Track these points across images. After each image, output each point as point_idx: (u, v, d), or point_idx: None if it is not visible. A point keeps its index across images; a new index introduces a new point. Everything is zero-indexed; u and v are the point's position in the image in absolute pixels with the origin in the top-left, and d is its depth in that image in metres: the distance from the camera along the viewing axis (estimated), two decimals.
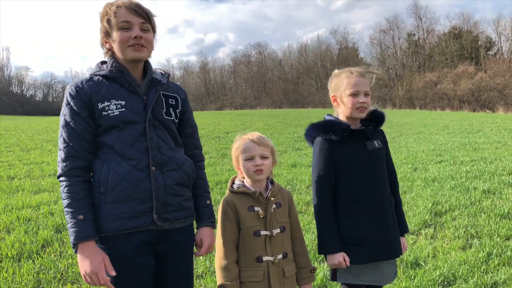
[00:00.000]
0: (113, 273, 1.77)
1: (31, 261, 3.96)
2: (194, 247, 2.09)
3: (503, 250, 3.99)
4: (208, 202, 2.12)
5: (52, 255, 4.11)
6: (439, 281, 3.42)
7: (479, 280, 3.40)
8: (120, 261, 1.82)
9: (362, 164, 2.20)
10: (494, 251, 3.93)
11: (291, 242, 2.12)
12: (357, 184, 2.20)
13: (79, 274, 3.58)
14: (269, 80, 62.25)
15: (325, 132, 2.20)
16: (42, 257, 4.02)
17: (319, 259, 3.88)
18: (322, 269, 3.63)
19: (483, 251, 3.92)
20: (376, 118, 2.31)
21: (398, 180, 7.57)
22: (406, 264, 3.75)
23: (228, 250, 1.99)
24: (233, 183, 2.14)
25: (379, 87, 44.94)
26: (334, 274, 2.23)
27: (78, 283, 3.56)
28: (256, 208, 2.02)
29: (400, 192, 6.29)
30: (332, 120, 2.27)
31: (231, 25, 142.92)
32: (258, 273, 1.97)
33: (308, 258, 2.16)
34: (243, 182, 2.10)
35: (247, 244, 2.00)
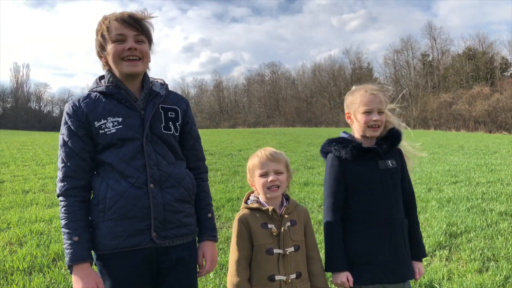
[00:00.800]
0: None
1: (42, 274, 3.97)
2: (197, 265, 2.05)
3: None
4: (209, 215, 2.07)
5: (63, 269, 4.11)
6: None
7: None
8: (117, 280, 1.80)
9: (373, 183, 2.16)
10: None
11: (307, 262, 2.06)
12: (367, 203, 2.15)
13: None
14: (282, 98, 62.51)
15: (336, 149, 2.19)
16: (52, 271, 4.02)
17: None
18: None
19: (500, 275, 3.80)
20: (392, 137, 2.26)
21: None
22: (420, 286, 3.66)
23: (240, 267, 1.95)
24: (247, 198, 2.11)
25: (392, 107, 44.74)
26: None
27: None
28: (269, 226, 1.98)
29: None
30: (344, 138, 2.25)
31: (246, 44, 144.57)
32: None
33: (324, 279, 2.10)
34: (257, 198, 2.07)
35: (259, 262, 1.96)
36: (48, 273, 3.98)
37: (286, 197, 2.11)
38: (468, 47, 46.74)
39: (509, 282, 3.69)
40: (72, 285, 3.65)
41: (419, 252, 2.25)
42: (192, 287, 2.00)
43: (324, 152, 2.29)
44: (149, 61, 1.95)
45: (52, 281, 3.82)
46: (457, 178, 9.43)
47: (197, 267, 2.04)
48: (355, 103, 2.23)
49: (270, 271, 1.94)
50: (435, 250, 4.60)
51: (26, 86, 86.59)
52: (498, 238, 4.94)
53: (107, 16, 1.87)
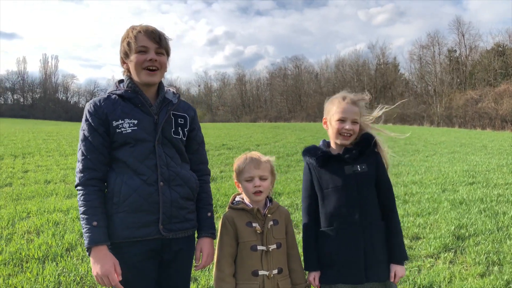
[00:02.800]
0: (119, 278, 1.92)
1: (55, 263, 4.17)
2: (194, 259, 2.22)
3: None
4: (209, 214, 2.24)
5: (75, 258, 4.31)
6: None
7: None
8: (127, 265, 1.98)
9: (338, 188, 2.25)
10: None
11: (287, 259, 2.20)
12: (332, 207, 2.26)
13: None
14: (304, 93, 62.22)
15: (307, 157, 2.35)
16: (65, 260, 4.23)
17: None
18: None
19: (501, 279, 3.80)
20: (363, 142, 2.32)
21: (424, 200, 7.27)
22: (418, 287, 3.69)
23: (225, 263, 2.09)
24: (234, 199, 2.24)
25: (416, 104, 43.98)
26: None
27: None
28: (254, 224, 2.12)
29: (425, 214, 6.17)
30: (314, 146, 2.39)
31: (271, 38, 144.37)
32: (253, 287, 2.06)
33: (303, 275, 2.24)
34: (242, 199, 2.21)
35: (244, 258, 2.10)
36: (61, 262, 4.18)
37: (270, 199, 2.24)
38: (497, 43, 45.45)
39: (510, 287, 3.69)
40: (81, 274, 3.85)
41: (394, 256, 2.26)
42: (188, 276, 2.23)
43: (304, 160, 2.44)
44: (166, 71, 2.16)
45: (64, 270, 4.01)
46: (475, 179, 9.29)
47: (194, 260, 2.22)
48: (331, 111, 2.33)
49: (254, 267, 2.08)
50: (440, 252, 4.60)
51: (54, 77, 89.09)
52: (506, 242, 4.89)
53: (134, 26, 2.08)
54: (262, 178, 2.14)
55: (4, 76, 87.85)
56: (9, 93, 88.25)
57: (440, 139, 21.35)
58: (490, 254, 4.49)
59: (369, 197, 2.28)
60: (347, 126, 2.25)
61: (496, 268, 4.14)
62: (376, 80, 51.71)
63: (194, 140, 2.26)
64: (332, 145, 2.38)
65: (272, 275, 2.08)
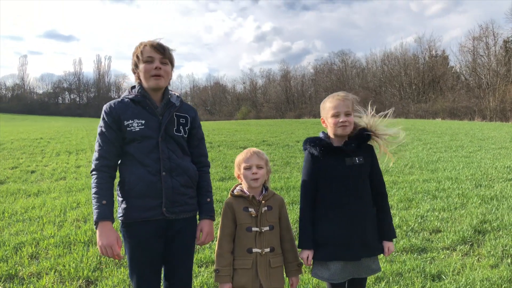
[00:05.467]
0: (119, 250, 2.33)
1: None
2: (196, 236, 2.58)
3: None
4: (208, 200, 2.60)
5: None
6: None
7: None
8: (137, 241, 2.40)
9: (338, 177, 2.53)
10: None
11: (281, 240, 2.54)
12: (331, 194, 2.53)
13: None
14: (349, 88, 61.25)
15: (309, 147, 2.61)
16: None
17: None
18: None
19: (510, 270, 3.90)
20: (360, 137, 2.61)
21: (454, 196, 7.26)
22: (425, 275, 3.87)
23: (225, 241, 2.47)
24: (234, 188, 2.60)
25: (468, 98, 42.19)
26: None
27: None
28: (249, 209, 2.48)
29: (451, 208, 6.21)
30: (317, 137, 2.65)
31: (319, 32, 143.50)
32: (248, 262, 2.43)
33: (296, 254, 2.57)
34: (242, 188, 2.57)
35: (240, 237, 2.47)
36: None
37: (266, 188, 2.59)
38: None
39: None
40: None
41: (386, 234, 2.61)
42: (191, 251, 2.58)
43: (304, 148, 2.69)
44: (170, 79, 2.56)
45: None
46: None
47: (195, 239, 2.59)
48: (325, 108, 2.63)
49: (249, 245, 2.44)
50: (457, 245, 4.71)
51: (107, 77, 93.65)
52: None
53: (142, 42, 2.48)
54: (258, 167, 2.50)
55: (62, 77, 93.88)
56: (67, 93, 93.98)
57: (489, 134, 20.54)
58: (507, 247, 4.56)
59: (365, 187, 2.59)
60: (341, 119, 2.53)
61: (509, 260, 4.22)
62: (423, 74, 50.13)
63: (195, 137, 2.62)
64: (333, 137, 2.63)
65: (264, 252, 2.43)
